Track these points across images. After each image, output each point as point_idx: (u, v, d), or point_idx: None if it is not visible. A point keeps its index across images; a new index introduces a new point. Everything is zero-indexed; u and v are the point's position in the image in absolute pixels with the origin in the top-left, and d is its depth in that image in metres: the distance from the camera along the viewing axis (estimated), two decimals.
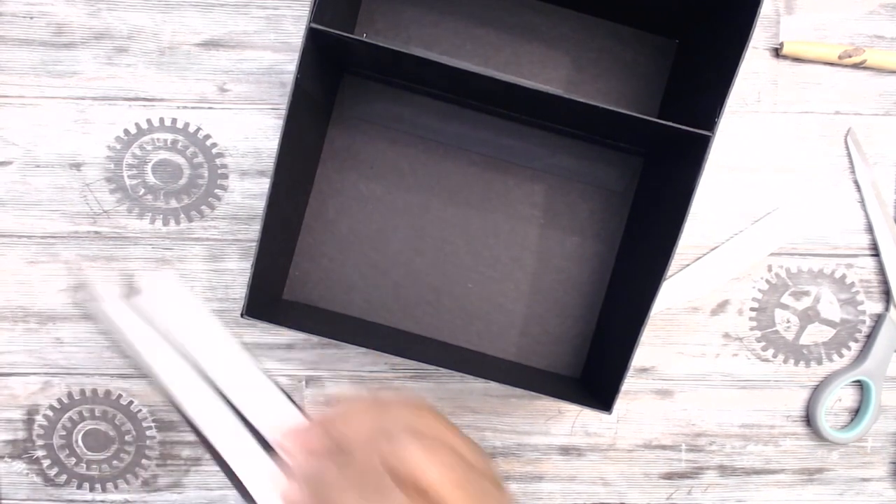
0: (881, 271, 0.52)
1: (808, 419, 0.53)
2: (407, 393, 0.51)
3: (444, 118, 0.50)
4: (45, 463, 0.51)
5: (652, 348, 0.52)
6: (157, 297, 0.37)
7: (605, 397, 0.44)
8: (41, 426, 0.51)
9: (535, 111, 0.47)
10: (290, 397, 0.37)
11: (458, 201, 0.50)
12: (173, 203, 0.50)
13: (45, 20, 0.49)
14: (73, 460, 0.51)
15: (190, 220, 0.50)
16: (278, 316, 0.44)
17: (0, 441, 0.51)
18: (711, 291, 0.52)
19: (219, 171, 0.50)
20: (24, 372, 0.51)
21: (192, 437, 0.51)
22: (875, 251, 0.51)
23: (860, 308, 0.52)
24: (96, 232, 0.50)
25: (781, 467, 0.53)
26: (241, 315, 0.42)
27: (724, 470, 0.53)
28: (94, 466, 0.52)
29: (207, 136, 0.50)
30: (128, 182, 0.50)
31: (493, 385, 0.52)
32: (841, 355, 0.52)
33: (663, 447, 0.53)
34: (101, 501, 0.52)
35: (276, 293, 0.49)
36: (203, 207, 0.50)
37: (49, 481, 0.52)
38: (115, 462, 0.52)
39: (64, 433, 0.51)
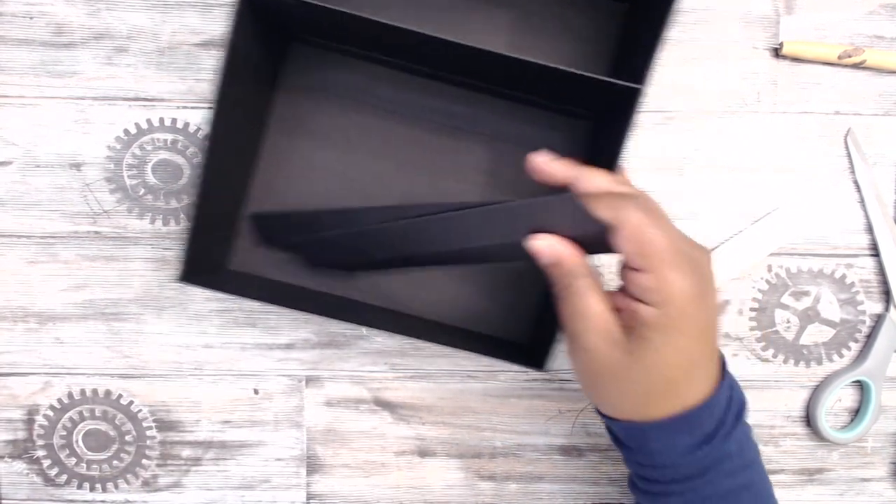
0: (881, 271, 0.52)
1: (808, 419, 0.53)
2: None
3: (394, 86, 0.50)
4: (46, 463, 0.51)
5: None
6: None
7: (538, 357, 0.45)
8: (41, 426, 0.51)
9: (478, 74, 0.47)
10: None
11: (408, 169, 0.50)
12: (173, 203, 0.50)
13: (45, 20, 0.49)
14: (74, 460, 0.52)
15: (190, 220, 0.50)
16: (220, 283, 0.44)
17: (0, 441, 0.51)
18: None
19: None
20: (24, 372, 0.51)
21: (192, 437, 0.51)
22: (875, 251, 0.51)
23: (860, 308, 0.52)
24: (96, 232, 0.50)
25: (781, 467, 0.53)
26: (178, 280, 0.42)
27: None
28: (95, 466, 0.52)
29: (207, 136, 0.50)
30: (128, 182, 0.50)
31: (493, 385, 0.52)
32: (841, 355, 0.52)
33: None
34: (102, 501, 0.52)
35: (219, 262, 0.49)
36: None
37: (49, 481, 0.52)
38: (115, 462, 0.52)
39: (64, 433, 0.51)
